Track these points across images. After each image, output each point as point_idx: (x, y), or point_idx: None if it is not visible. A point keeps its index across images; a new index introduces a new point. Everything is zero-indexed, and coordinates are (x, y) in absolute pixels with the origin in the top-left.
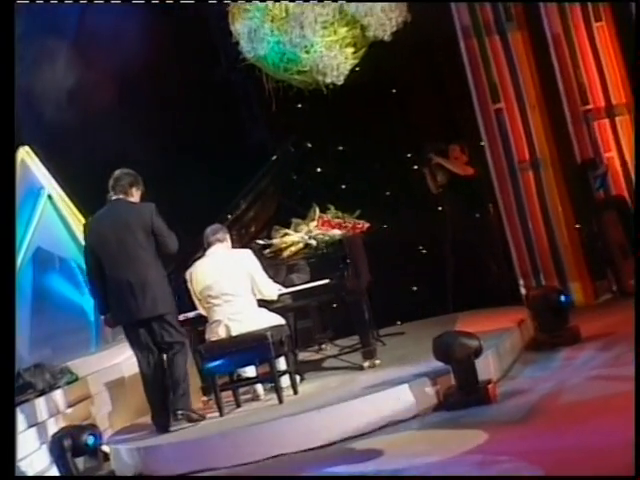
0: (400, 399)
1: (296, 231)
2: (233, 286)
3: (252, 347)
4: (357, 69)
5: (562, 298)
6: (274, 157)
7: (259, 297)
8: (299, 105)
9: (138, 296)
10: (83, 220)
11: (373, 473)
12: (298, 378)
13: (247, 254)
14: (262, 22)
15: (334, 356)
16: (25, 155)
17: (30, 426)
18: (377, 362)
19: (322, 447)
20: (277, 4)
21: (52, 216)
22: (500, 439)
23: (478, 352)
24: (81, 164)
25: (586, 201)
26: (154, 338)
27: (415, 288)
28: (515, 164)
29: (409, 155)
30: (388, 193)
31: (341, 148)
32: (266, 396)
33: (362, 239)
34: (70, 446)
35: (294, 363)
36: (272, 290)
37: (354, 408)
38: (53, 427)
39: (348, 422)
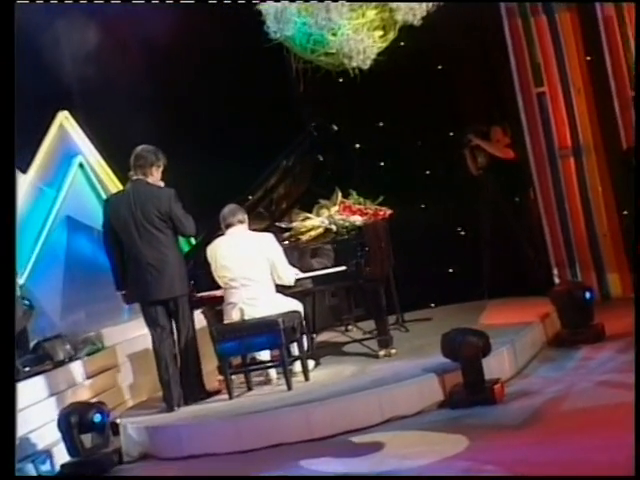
0: (406, 394)
1: (318, 215)
2: (252, 271)
3: (263, 333)
4: (402, 44)
5: (587, 295)
6: (297, 140)
7: (278, 282)
8: (340, 80)
9: (156, 277)
10: (121, 187)
11: (361, 472)
12: (313, 363)
13: (269, 238)
14: (289, 2)
15: (355, 341)
16: (64, 120)
17: (50, 396)
18: (393, 351)
19: (320, 440)
20: None
21: (83, 185)
22: (493, 445)
23: (486, 351)
24: (118, 130)
25: (629, 190)
26: (168, 319)
27: (451, 270)
28: (555, 150)
29: (451, 134)
30: (428, 172)
31: (381, 124)
32: (279, 380)
33: (384, 226)
34: (77, 423)
35: (310, 348)
36: (290, 276)
37: (357, 402)
38: (75, 397)
39: (349, 416)
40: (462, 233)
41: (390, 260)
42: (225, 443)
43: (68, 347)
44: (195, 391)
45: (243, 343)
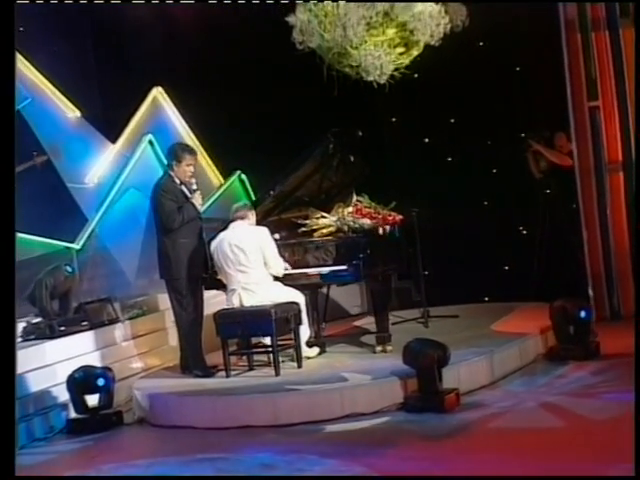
0: (367, 393)
1: (336, 214)
2: (248, 258)
3: (257, 321)
4: (482, 44)
5: (582, 314)
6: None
7: (269, 271)
8: (415, 75)
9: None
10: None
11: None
12: (316, 350)
13: (263, 231)
14: (314, 16)
15: (372, 333)
16: (158, 95)
17: (81, 355)
18: (389, 348)
19: (284, 426)
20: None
21: (152, 160)
22: (404, 454)
23: (442, 362)
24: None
25: None
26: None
27: (506, 267)
28: (604, 164)
29: (522, 135)
30: (495, 170)
31: (453, 120)
32: (282, 363)
33: (391, 230)
34: (82, 384)
35: (318, 335)
36: (278, 267)
37: (319, 396)
38: (112, 357)
39: (311, 408)
40: (524, 232)
41: (400, 262)
42: (204, 419)
43: (111, 310)
44: (195, 366)
45: (239, 328)
